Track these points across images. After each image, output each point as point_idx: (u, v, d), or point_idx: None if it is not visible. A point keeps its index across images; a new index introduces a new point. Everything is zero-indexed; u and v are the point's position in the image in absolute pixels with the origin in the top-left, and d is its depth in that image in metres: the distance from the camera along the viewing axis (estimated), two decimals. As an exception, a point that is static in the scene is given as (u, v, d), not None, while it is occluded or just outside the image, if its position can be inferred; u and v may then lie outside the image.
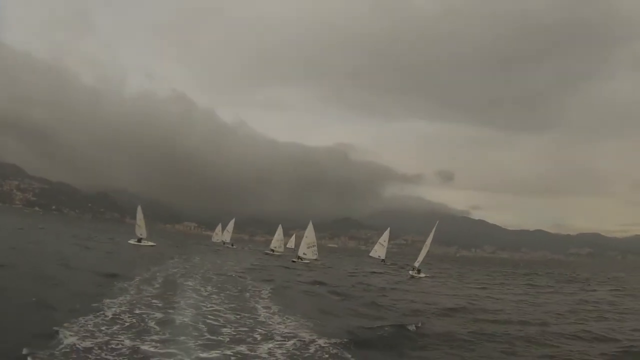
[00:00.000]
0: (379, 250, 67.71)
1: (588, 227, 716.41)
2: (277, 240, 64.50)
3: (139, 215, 53.98)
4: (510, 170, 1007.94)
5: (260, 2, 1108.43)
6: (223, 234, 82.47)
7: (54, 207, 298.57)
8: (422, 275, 40.45)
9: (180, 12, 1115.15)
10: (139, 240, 52.26)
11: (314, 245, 53.35)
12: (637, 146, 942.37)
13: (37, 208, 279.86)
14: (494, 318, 18.95)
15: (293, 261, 50.04)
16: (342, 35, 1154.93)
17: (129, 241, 53.38)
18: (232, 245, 77.11)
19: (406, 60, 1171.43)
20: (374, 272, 45.22)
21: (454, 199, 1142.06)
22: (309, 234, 52.62)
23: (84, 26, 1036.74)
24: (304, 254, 52.35)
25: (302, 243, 52.69)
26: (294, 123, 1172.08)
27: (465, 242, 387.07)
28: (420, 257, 40.35)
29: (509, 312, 20.89)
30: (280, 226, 65.05)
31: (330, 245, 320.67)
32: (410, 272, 42.17)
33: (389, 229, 67.42)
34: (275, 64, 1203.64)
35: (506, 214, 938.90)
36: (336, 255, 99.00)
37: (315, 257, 53.28)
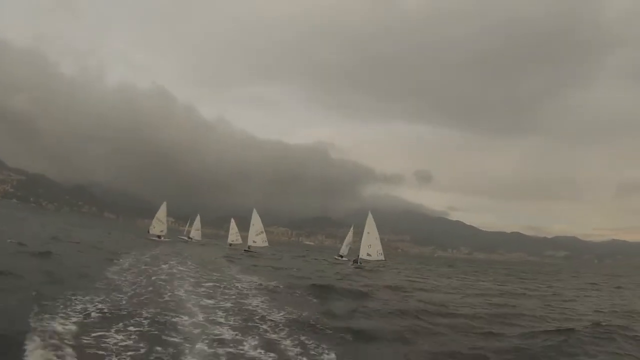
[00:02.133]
0: (342, 248, 71.68)
1: (565, 230, 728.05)
2: (232, 233, 65.68)
3: (163, 212, 57.73)
4: (488, 172, 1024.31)
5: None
6: (190, 230, 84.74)
7: (31, 199, 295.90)
8: (363, 265, 43.34)
9: (164, 5, 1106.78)
10: (159, 236, 55.73)
11: (262, 232, 55.42)
12: (618, 153, 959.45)
13: (14, 200, 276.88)
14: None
15: (245, 250, 52.74)
16: (329, 35, 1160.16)
17: (149, 236, 55.87)
18: (191, 239, 79.73)
19: (391, 63, 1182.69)
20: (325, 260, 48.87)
21: (432, 200, 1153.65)
22: (255, 222, 54.54)
23: (66, 15, 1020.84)
24: (253, 241, 54.33)
25: (250, 231, 54.39)
26: (275, 120, 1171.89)
27: (442, 242, 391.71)
28: (362, 248, 43.72)
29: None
30: (232, 220, 66.62)
31: (306, 242, 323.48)
32: (351, 263, 45.16)
33: (352, 227, 70.42)
34: (259, 60, 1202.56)
35: (483, 215, 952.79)
36: (308, 252, 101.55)
37: (265, 244, 55.65)
